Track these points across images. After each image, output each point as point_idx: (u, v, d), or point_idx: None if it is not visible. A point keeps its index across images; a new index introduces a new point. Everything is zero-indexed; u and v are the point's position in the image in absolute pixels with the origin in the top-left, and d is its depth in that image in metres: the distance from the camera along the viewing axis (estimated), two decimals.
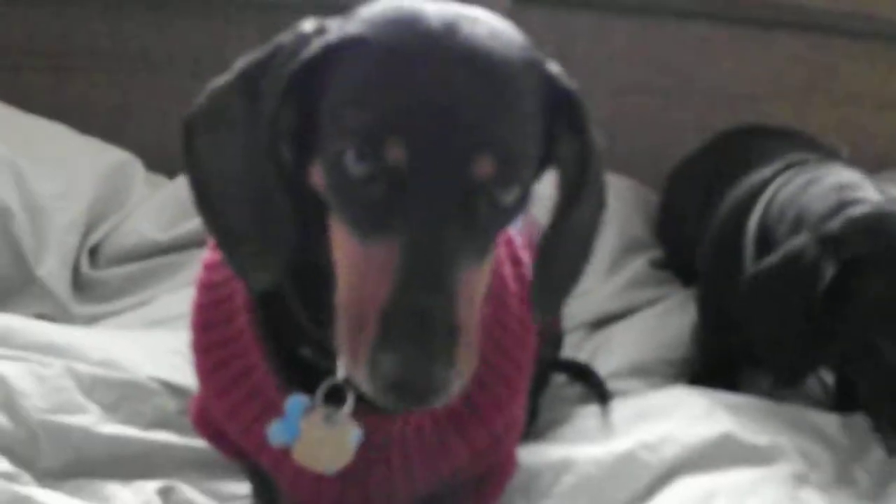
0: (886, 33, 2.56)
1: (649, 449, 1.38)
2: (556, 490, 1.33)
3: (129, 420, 1.37)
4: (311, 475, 1.05)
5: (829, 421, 1.50)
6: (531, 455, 1.37)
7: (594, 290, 1.98)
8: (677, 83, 2.54)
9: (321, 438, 1.02)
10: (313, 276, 0.91)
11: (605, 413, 1.53)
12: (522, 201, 0.87)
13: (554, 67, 0.91)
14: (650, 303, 2.01)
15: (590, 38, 2.44)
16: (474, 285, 0.84)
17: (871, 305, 1.42)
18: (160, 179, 2.12)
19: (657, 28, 2.50)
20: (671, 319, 1.91)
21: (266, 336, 1.03)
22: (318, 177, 0.86)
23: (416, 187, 0.80)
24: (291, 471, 1.06)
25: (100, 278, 1.84)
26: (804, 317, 1.45)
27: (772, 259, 1.53)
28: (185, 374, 1.35)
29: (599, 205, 0.99)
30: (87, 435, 1.32)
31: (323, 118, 0.84)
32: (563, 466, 1.36)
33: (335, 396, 1.00)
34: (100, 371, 1.40)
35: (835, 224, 1.48)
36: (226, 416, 1.09)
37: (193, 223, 1.89)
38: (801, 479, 1.37)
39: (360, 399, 0.97)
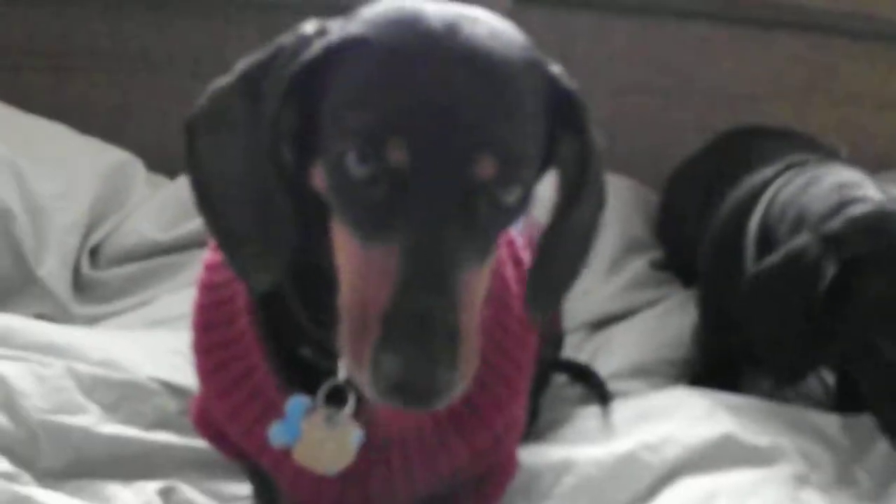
0: (886, 33, 2.57)
1: (650, 450, 1.38)
2: (556, 491, 1.33)
3: (129, 420, 1.37)
4: (312, 476, 1.05)
5: (830, 422, 1.50)
6: (532, 455, 1.37)
7: (594, 290, 1.99)
8: (677, 83, 2.55)
9: (322, 439, 1.02)
10: (315, 277, 0.92)
11: (605, 414, 1.53)
12: (524, 202, 0.87)
13: (555, 68, 0.91)
14: (650, 303, 2.01)
15: (590, 38, 2.44)
16: (475, 286, 0.84)
17: (871, 305, 1.42)
18: (161, 179, 2.12)
19: (657, 28, 2.50)
20: (672, 320, 1.92)
21: (267, 337, 1.04)
22: (319, 178, 0.86)
23: (418, 188, 0.80)
24: (292, 471, 1.06)
25: (100, 279, 1.84)
26: (805, 316, 1.45)
27: (773, 258, 1.53)
28: (185, 374, 1.35)
29: (599, 205, 0.99)
30: (87, 435, 1.32)
31: (324, 119, 0.84)
32: (564, 467, 1.36)
33: (336, 397, 1.00)
34: (100, 371, 1.40)
35: (836, 223, 1.48)
36: (226, 417, 1.09)
37: (194, 223, 1.89)
38: (801, 480, 1.37)
39: (361, 400, 0.98)
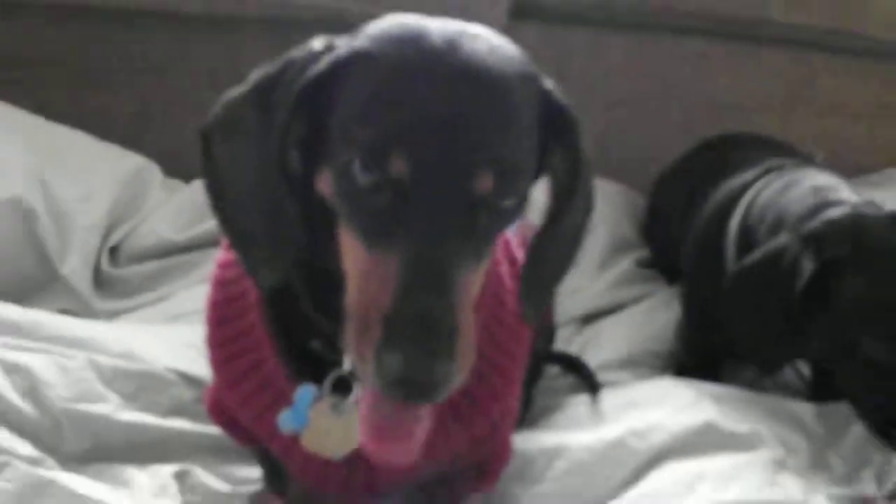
0: (862, 49, 2.57)
1: (637, 436, 1.38)
2: (549, 474, 1.34)
3: (146, 408, 1.38)
4: (319, 460, 1.05)
5: (806, 410, 1.50)
6: (526, 442, 1.37)
7: (585, 287, 1.99)
8: (669, 96, 2.54)
9: (328, 426, 1.02)
10: (323, 276, 0.92)
11: (595, 402, 1.53)
12: (519, 207, 0.87)
13: (549, 83, 0.91)
14: (637, 299, 2.01)
15: (586, 54, 2.43)
16: (473, 285, 0.85)
17: (851, 305, 1.42)
18: (176, 184, 2.12)
19: (651, 44, 2.50)
20: (657, 315, 1.91)
21: (276, 330, 1.04)
22: (326, 185, 0.87)
23: (419, 199, 0.80)
24: (300, 456, 1.06)
25: (120, 276, 1.84)
26: (783, 313, 1.45)
27: (753, 258, 1.53)
28: (200, 365, 1.35)
29: (587, 210, 0.99)
30: (107, 422, 1.33)
31: (332, 130, 0.85)
32: (556, 452, 1.36)
33: (342, 386, 1.01)
34: (120, 363, 1.41)
35: (815, 224, 1.47)
36: (238, 405, 1.10)
37: (208, 224, 1.90)
38: (779, 465, 1.37)
39: None
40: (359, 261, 0.84)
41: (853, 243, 1.43)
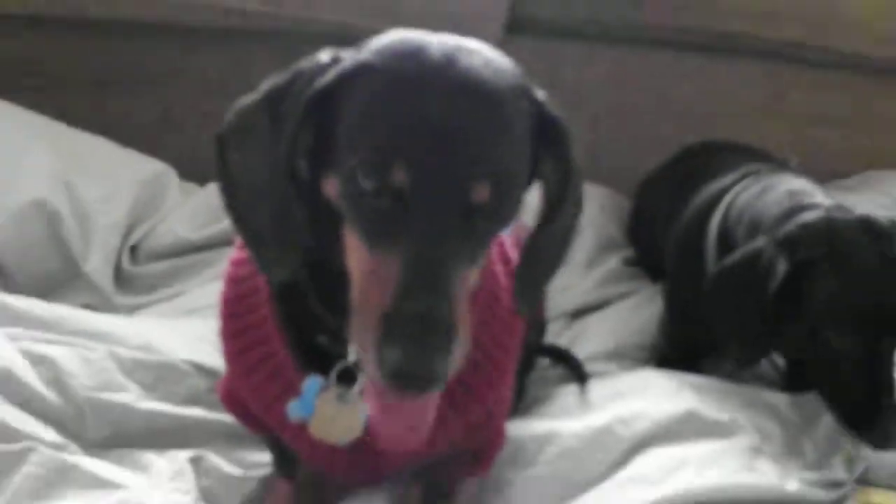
0: (831, 61, 2.57)
1: (623, 423, 1.38)
2: (540, 459, 1.33)
3: (164, 398, 1.38)
4: (326, 447, 1.05)
5: (781, 400, 1.50)
6: (518, 429, 1.37)
7: (574, 284, 1.99)
8: (653, 106, 2.54)
9: (334, 414, 1.02)
10: (330, 274, 0.92)
11: (583, 392, 1.52)
12: (513, 213, 0.88)
13: (541, 95, 0.91)
14: (623, 296, 2.01)
15: (576, 66, 2.43)
16: (468, 285, 0.86)
17: (823, 304, 1.42)
18: (192, 187, 2.12)
19: (637, 58, 2.49)
20: (641, 310, 1.91)
21: (286, 325, 1.04)
22: (332, 189, 0.87)
23: (418, 206, 0.80)
24: (308, 443, 1.06)
25: (139, 273, 1.84)
26: (759, 311, 1.44)
27: (731, 259, 1.53)
28: (214, 357, 1.36)
29: (576, 214, 0.99)
30: (127, 410, 1.33)
31: (338, 138, 0.85)
32: (547, 439, 1.36)
33: (346, 377, 1.01)
34: (139, 354, 1.41)
35: (789, 228, 1.47)
36: (250, 395, 1.10)
37: (222, 225, 1.89)
38: (756, 451, 1.37)
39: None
40: (362, 261, 0.85)
41: (825, 246, 1.42)
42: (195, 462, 1.28)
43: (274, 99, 0.89)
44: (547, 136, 0.90)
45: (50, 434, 1.24)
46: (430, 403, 0.91)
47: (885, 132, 2.74)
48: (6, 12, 1.98)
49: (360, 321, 0.83)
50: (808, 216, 1.49)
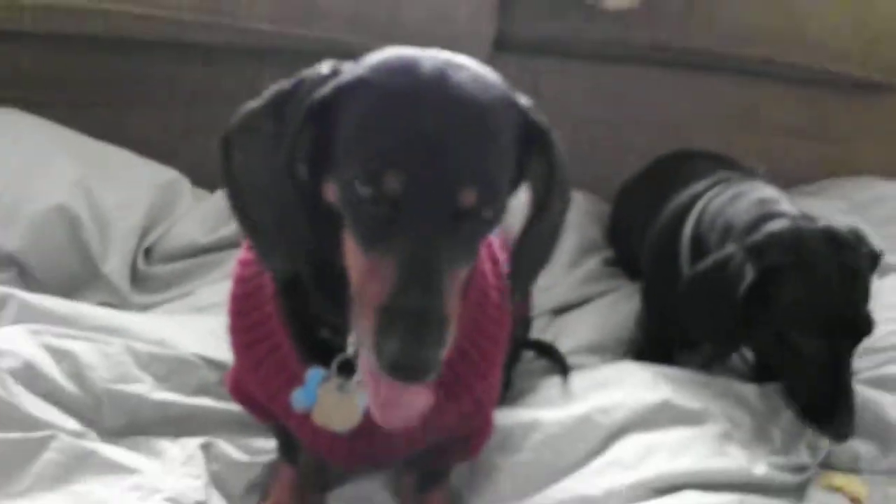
0: (795, 76, 2.57)
1: (602, 412, 1.38)
2: (525, 445, 1.33)
3: (176, 389, 1.38)
4: (327, 434, 1.05)
5: (749, 390, 1.50)
6: (505, 417, 1.37)
7: (557, 283, 1.98)
8: (629, 117, 2.53)
9: (334, 403, 1.02)
10: (330, 272, 0.92)
11: (565, 383, 1.53)
12: (499, 215, 0.88)
13: (525, 101, 0.91)
14: (603, 294, 2.00)
15: (557, 80, 2.42)
16: (459, 282, 0.86)
17: (789, 308, 1.42)
18: (203, 193, 2.11)
19: (613, 72, 2.49)
20: (620, 307, 1.91)
21: (290, 320, 1.04)
22: (332, 193, 0.87)
23: (411, 211, 0.81)
24: (311, 430, 1.06)
25: (153, 273, 1.84)
26: (729, 313, 1.45)
27: (704, 264, 1.53)
28: (222, 351, 1.35)
29: (563, 210, 0.99)
30: (142, 401, 1.32)
31: (337, 146, 0.85)
32: (532, 426, 1.36)
33: (346, 369, 1.01)
34: (153, 349, 1.41)
35: (758, 236, 1.47)
36: (256, 386, 1.10)
37: (230, 228, 1.89)
38: (726, 437, 1.37)
39: None
40: (360, 260, 0.85)
41: (790, 254, 1.43)
42: (205, 448, 1.28)
43: (278, 104, 0.90)
44: (533, 140, 0.90)
45: (70, 423, 1.23)
46: (420, 394, 0.91)
47: (844, 142, 2.75)
48: (35, 31, 1.98)
49: (360, 316, 0.83)
50: (776, 225, 1.49)
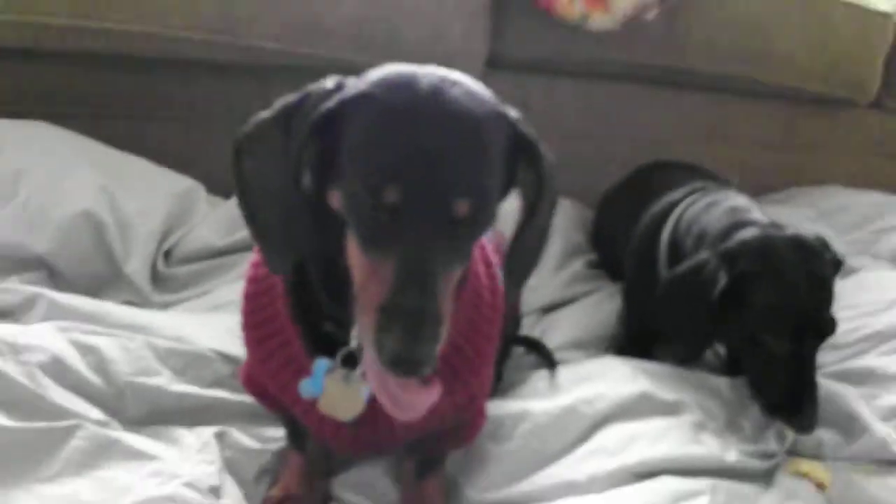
0: (764, 92, 2.58)
1: (586, 403, 1.39)
2: (515, 434, 1.34)
3: (193, 381, 1.37)
4: (333, 422, 1.06)
5: (722, 383, 1.50)
6: (497, 408, 1.37)
7: (545, 284, 1.98)
8: (611, 130, 2.54)
9: (340, 393, 1.03)
10: (335, 272, 0.92)
11: (552, 376, 1.53)
12: (490, 221, 0.89)
13: (514, 114, 0.91)
14: (587, 294, 2.00)
15: (544, 96, 2.43)
16: (453, 283, 0.87)
17: (760, 311, 1.43)
18: (218, 200, 2.11)
19: (596, 88, 2.49)
20: (603, 306, 1.91)
21: (298, 317, 1.04)
22: (336, 201, 0.87)
23: (409, 219, 0.82)
24: (317, 418, 1.07)
25: (172, 274, 1.83)
26: (703, 316, 1.45)
27: (680, 269, 1.53)
28: (236, 346, 1.35)
29: (552, 212, 0.99)
30: (161, 392, 1.32)
31: (340, 157, 0.85)
32: (521, 416, 1.36)
33: (350, 361, 1.01)
34: (172, 344, 1.40)
35: (731, 244, 1.48)
36: (268, 378, 1.10)
37: (243, 233, 1.89)
38: (700, 427, 1.38)
39: None
40: (362, 263, 0.86)
41: (760, 260, 1.43)
42: (219, 437, 1.28)
43: (285, 116, 0.90)
44: (522, 151, 0.91)
45: (95, 412, 1.23)
46: (423, 386, 0.92)
47: (809, 153, 2.76)
48: (60, 49, 1.97)
49: (362, 314, 0.84)
50: (747, 233, 1.49)
